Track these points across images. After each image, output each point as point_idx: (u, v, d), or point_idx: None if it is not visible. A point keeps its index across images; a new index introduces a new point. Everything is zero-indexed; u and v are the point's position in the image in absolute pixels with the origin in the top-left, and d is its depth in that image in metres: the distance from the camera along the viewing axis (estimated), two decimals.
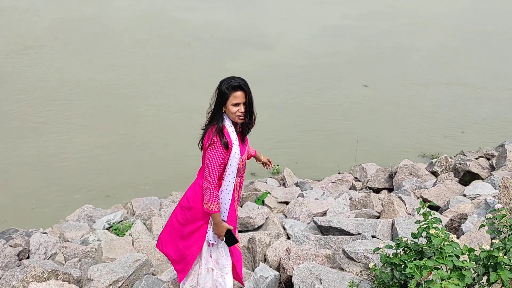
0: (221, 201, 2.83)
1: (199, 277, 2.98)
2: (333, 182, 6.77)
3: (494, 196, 4.57)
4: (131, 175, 7.37)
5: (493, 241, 2.60)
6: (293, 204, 5.38)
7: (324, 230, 4.33)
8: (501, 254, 2.47)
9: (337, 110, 10.09)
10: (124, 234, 5.01)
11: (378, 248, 2.85)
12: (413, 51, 14.42)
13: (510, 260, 2.46)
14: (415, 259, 2.63)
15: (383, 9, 19.71)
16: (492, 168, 6.37)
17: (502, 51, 14.56)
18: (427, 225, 2.69)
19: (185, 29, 15.71)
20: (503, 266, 2.45)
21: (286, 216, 5.25)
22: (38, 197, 6.73)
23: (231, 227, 2.87)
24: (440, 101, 10.86)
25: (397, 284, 2.69)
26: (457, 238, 3.66)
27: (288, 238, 4.41)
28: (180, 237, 2.94)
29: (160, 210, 5.87)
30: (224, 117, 2.77)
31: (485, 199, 4.51)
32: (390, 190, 6.45)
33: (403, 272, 2.65)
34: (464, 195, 5.27)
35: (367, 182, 6.79)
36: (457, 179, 6.10)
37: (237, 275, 3.08)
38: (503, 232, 2.71)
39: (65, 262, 4.46)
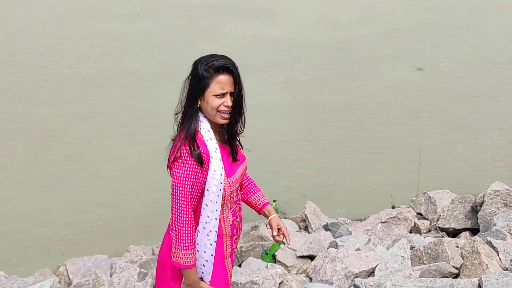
0: (198, 249, 2.88)
1: None
2: (384, 222, 6.78)
3: None
4: (60, 221, 7.45)
5: None
6: (321, 259, 5.38)
7: None
8: None
9: (377, 110, 10.18)
10: None
11: None
12: (499, 13, 14.63)
13: None
14: None
15: None
16: None
17: None
18: None
19: None
20: None
21: (311, 279, 5.26)
22: None
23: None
24: None
25: None
26: None
27: None
28: None
29: (111, 276, 5.88)
30: (199, 117, 2.84)
31: None
32: (474, 231, 6.45)
33: None
34: None
35: (438, 220, 6.80)
36: None
37: None
38: None
39: None
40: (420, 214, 7.24)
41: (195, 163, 2.74)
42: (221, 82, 2.74)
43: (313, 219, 7.03)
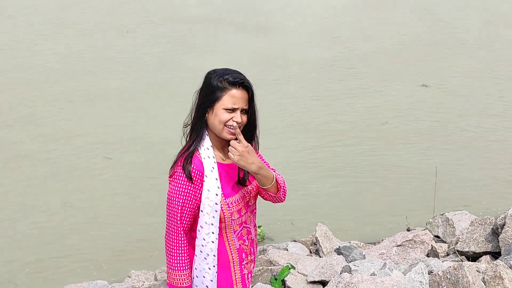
0: (197, 275, 2.82)
1: None
2: (400, 245, 6.67)
3: None
4: (58, 245, 7.42)
5: None
6: (334, 285, 5.28)
7: None
8: None
9: (382, 130, 10.06)
10: None
11: None
12: (503, 27, 14.55)
13: None
14: None
15: None
16: None
17: None
18: None
19: (127, 7, 15.82)
20: None
21: None
22: None
23: None
24: None
25: None
26: None
27: None
28: None
29: None
30: (204, 134, 2.80)
31: None
32: (495, 255, 6.35)
33: None
34: None
35: (457, 243, 6.69)
36: None
37: None
38: None
39: None
40: (437, 236, 7.14)
41: (186, 180, 2.73)
42: (234, 97, 2.74)
43: (325, 242, 6.95)
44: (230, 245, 2.92)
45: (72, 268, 7.05)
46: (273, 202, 3.09)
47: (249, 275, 3.07)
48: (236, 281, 2.97)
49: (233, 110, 2.75)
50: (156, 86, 11.52)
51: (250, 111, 2.84)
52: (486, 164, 9.22)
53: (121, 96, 11.16)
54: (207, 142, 2.82)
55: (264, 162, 3.04)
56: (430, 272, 5.56)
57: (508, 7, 15.93)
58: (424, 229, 7.17)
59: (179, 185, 2.76)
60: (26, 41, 13.87)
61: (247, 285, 3.04)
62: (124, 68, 12.40)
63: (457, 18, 15.30)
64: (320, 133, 10.05)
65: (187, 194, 2.76)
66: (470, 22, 15.07)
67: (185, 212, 2.78)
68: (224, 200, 2.83)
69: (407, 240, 6.72)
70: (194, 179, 2.75)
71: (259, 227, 7.26)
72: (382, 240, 7.11)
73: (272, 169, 3.02)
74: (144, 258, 7.12)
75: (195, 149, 2.79)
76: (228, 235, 2.89)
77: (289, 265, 6.02)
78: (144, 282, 6.32)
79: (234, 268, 2.96)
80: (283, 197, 3.04)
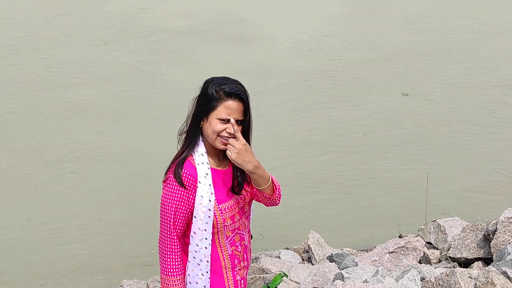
0: (190, 281, 2.85)
1: None
2: (392, 252, 6.69)
3: None
4: (47, 255, 7.42)
5: None
6: None
7: None
8: None
9: (366, 139, 10.06)
10: None
11: None
12: (490, 37, 14.47)
13: None
14: None
15: None
16: None
17: None
18: None
19: (108, 14, 15.49)
20: None
21: None
22: None
23: None
24: None
25: None
26: None
27: None
28: None
29: None
30: (199, 140, 2.85)
31: None
32: (487, 261, 6.36)
33: None
34: None
35: (449, 249, 6.69)
36: None
37: None
38: None
39: None
40: (429, 243, 7.13)
41: (179, 186, 2.76)
42: (229, 108, 2.76)
43: (317, 250, 6.97)
44: (223, 250, 2.93)
45: (62, 277, 7.08)
46: (267, 206, 3.09)
47: (242, 281, 3.07)
48: (229, 287, 2.99)
49: (227, 120, 2.78)
50: (132, 98, 11.33)
51: (246, 121, 2.87)
52: (472, 171, 9.23)
53: (93, 108, 10.97)
54: (201, 149, 2.85)
55: None
56: (422, 279, 5.55)
57: (493, 17, 15.90)
58: (416, 236, 7.18)
59: (172, 191, 2.78)
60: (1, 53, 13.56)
61: None
62: (100, 80, 12.11)
63: (440, 28, 15.23)
64: (302, 144, 9.94)
65: (180, 200, 2.78)
66: (454, 32, 14.99)
67: (178, 217, 2.81)
68: (217, 206, 2.85)
69: (399, 247, 6.74)
70: (187, 184, 2.77)
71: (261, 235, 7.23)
72: (375, 247, 7.13)
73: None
74: (137, 267, 7.15)
75: (187, 155, 2.82)
76: (220, 241, 2.91)
77: (282, 273, 6.03)
78: None
79: (226, 274, 2.97)
80: (278, 199, 3.04)
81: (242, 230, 3.03)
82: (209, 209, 2.80)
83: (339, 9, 16.24)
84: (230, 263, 2.98)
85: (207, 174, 2.82)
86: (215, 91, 2.77)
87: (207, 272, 2.88)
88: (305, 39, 14.26)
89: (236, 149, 2.75)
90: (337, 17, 15.60)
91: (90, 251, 7.54)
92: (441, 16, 15.84)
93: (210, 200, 2.80)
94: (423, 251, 6.78)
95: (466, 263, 6.49)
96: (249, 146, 2.82)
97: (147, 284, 6.54)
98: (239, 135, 2.77)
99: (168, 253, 2.82)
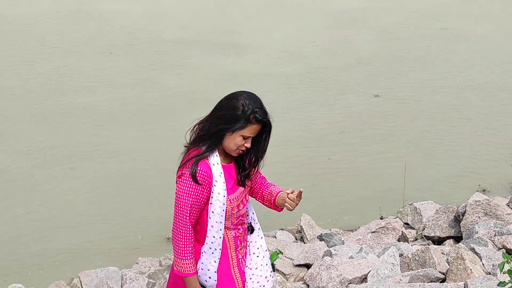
0: (202, 268, 2.90)
1: None
2: (374, 232, 6.76)
3: None
4: (70, 237, 7.41)
5: None
6: (317, 267, 5.38)
7: None
8: None
9: (340, 138, 9.91)
10: None
11: None
12: (465, 40, 14.45)
13: None
14: None
15: None
16: None
17: None
18: None
19: (116, 28, 15.29)
20: None
21: (308, 286, 5.25)
22: None
23: None
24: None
25: None
26: None
27: None
28: None
29: (122, 286, 5.83)
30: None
31: None
32: (457, 239, 6.45)
33: None
34: None
35: (424, 229, 6.79)
36: None
37: None
38: None
39: None
40: (407, 224, 7.21)
41: (194, 183, 2.79)
42: (254, 129, 2.81)
43: (308, 230, 7.01)
44: (228, 234, 3.00)
45: (86, 257, 7.05)
46: (262, 203, 3.26)
47: (243, 260, 3.17)
48: (233, 265, 3.06)
49: (247, 138, 2.84)
50: (132, 102, 11.18)
51: (263, 140, 2.93)
52: (442, 162, 9.24)
53: (94, 112, 10.77)
54: (216, 151, 2.88)
55: (263, 178, 3.23)
56: (401, 255, 5.65)
57: (460, 27, 15.79)
58: (395, 218, 7.27)
59: (188, 187, 2.79)
60: (8, 62, 13.27)
61: (242, 268, 3.14)
62: (103, 85, 11.93)
63: (413, 37, 15.03)
64: (288, 141, 9.68)
65: (195, 195, 2.80)
66: (425, 41, 14.79)
67: (193, 210, 2.83)
68: (227, 197, 2.89)
69: (380, 227, 6.83)
70: (201, 181, 2.79)
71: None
72: (359, 227, 7.19)
73: (280, 190, 3.21)
74: (151, 246, 7.18)
75: (203, 157, 2.82)
76: (227, 226, 2.98)
77: (278, 251, 6.04)
78: (150, 267, 6.37)
79: (231, 254, 3.03)
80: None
81: (244, 216, 3.14)
82: (223, 204, 2.86)
83: (322, 21, 16.06)
84: (234, 244, 3.04)
85: (221, 173, 2.86)
86: (248, 115, 2.77)
87: (218, 259, 2.92)
88: (289, 48, 14.09)
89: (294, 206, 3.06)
90: (320, 29, 15.45)
91: (109, 233, 7.56)
92: (414, 26, 15.73)
93: (224, 196, 2.85)
94: (401, 231, 6.88)
95: (439, 241, 6.60)
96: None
97: (159, 260, 6.58)
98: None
99: (183, 240, 2.83)
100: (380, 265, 5.24)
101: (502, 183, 8.61)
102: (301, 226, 7.07)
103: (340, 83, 11.99)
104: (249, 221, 3.16)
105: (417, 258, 5.30)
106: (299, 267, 5.84)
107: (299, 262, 5.89)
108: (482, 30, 15.29)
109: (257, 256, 3.14)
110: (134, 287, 5.64)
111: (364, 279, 5.16)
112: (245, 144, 2.85)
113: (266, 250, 3.18)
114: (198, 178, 2.79)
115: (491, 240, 5.68)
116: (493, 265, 4.97)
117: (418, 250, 5.42)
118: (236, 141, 2.82)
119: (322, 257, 5.68)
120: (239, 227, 3.06)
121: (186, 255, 2.84)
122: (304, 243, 6.77)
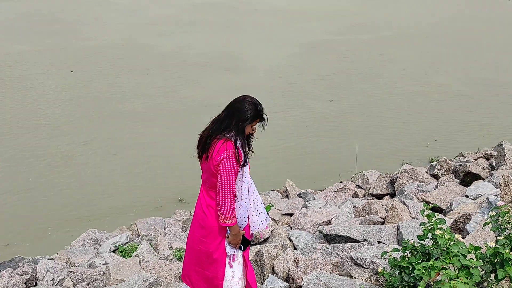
0: (239, 218, 2.90)
1: None
2: (336, 191, 6.79)
3: (496, 195, 4.62)
4: (132, 197, 7.39)
5: (498, 238, 2.64)
6: (297, 215, 5.40)
7: (330, 239, 4.36)
8: (507, 251, 2.51)
9: (306, 130, 9.71)
10: (131, 256, 5.02)
11: (385, 252, 2.89)
12: (395, 63, 14.29)
13: None
14: (422, 261, 2.67)
15: (364, 22, 19.25)
16: (492, 168, 6.43)
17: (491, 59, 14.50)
18: (432, 227, 2.73)
19: (151, 56, 14.80)
20: (510, 262, 2.49)
21: (291, 228, 5.26)
22: (41, 223, 6.75)
23: (243, 232, 2.95)
24: (424, 107, 10.83)
25: (406, 287, 2.72)
26: (463, 238, 3.70)
27: (295, 249, 4.42)
28: (203, 261, 2.96)
29: (165, 229, 5.88)
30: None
31: (487, 198, 4.55)
32: (392, 195, 6.46)
33: (411, 274, 2.68)
34: (466, 196, 5.32)
35: (369, 189, 6.82)
36: (458, 180, 6.15)
37: None
38: (507, 229, 2.76)
39: (74, 287, 4.46)
40: (358, 185, 7.25)
41: (238, 163, 2.79)
42: (257, 121, 2.90)
43: (291, 190, 7.03)
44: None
45: (138, 211, 7.04)
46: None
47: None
48: (251, 214, 3.06)
49: (254, 126, 2.93)
50: (160, 108, 10.93)
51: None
52: (380, 144, 9.19)
53: (132, 115, 10.52)
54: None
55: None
56: (354, 206, 5.68)
57: (396, 51, 15.55)
58: (350, 181, 7.32)
59: (235, 165, 2.77)
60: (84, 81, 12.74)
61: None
62: (140, 96, 11.56)
63: (360, 60, 14.69)
64: (267, 133, 9.46)
65: (238, 170, 2.80)
66: (369, 63, 14.44)
67: (235, 179, 2.82)
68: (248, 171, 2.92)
69: (340, 188, 6.87)
70: (241, 162, 2.81)
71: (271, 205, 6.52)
72: (325, 188, 7.22)
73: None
74: (170, 205, 7.17)
75: (237, 143, 2.80)
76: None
77: (270, 204, 6.10)
78: (184, 217, 6.39)
79: (249, 208, 3.04)
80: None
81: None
82: (248, 177, 2.88)
83: (295, 49, 15.79)
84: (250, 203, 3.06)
85: (244, 155, 2.86)
86: (261, 114, 2.87)
87: (247, 212, 2.93)
88: (272, 68, 13.84)
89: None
90: (294, 54, 15.19)
91: (147, 196, 7.47)
92: (362, 53, 15.50)
93: (247, 171, 2.87)
94: (354, 190, 6.91)
95: (380, 197, 6.64)
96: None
97: (190, 212, 6.58)
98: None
99: (231, 201, 2.79)
100: (340, 213, 5.27)
101: (421, 158, 8.64)
102: (286, 188, 7.11)
103: (305, 92, 11.90)
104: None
105: (365, 208, 5.33)
106: (285, 215, 5.88)
107: (285, 211, 5.93)
108: (408, 55, 15.18)
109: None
110: (173, 229, 5.69)
111: (329, 222, 5.20)
112: (253, 130, 2.92)
113: (261, 203, 3.19)
114: (238, 158, 2.78)
115: (415, 195, 5.71)
116: (416, 212, 5.00)
117: (366, 202, 5.45)
118: (250, 129, 2.89)
119: (301, 208, 5.73)
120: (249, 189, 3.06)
121: (230, 211, 2.81)
122: (288, 199, 6.81)
